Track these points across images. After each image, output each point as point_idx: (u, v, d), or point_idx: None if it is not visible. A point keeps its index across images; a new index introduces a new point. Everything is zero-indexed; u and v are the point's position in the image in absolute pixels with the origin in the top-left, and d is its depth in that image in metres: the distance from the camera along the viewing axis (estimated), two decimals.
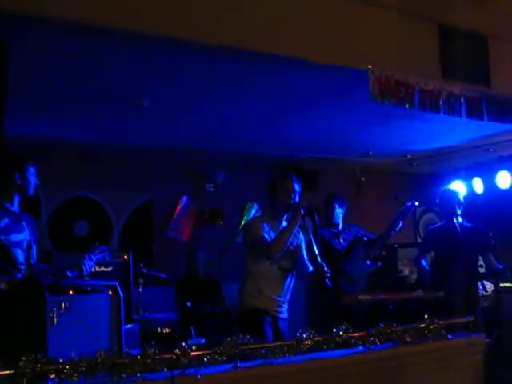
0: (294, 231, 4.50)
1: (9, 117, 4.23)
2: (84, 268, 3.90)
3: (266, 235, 4.44)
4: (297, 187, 4.59)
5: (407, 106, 4.82)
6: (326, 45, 4.64)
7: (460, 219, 5.68)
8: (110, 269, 5.70)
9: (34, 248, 4.05)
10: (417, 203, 5.96)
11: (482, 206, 7.38)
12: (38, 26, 3.77)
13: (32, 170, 4.03)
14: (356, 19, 4.79)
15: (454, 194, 5.92)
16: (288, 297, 4.63)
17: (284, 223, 4.61)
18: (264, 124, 6.58)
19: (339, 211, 6.12)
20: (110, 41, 4.16)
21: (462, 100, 5.04)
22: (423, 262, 5.89)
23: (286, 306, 4.61)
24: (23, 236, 3.93)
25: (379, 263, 5.88)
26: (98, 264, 5.33)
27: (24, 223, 3.98)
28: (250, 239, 4.58)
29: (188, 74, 4.89)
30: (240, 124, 6.56)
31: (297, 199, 4.56)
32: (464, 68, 5.16)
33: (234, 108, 5.95)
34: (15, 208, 3.97)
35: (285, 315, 4.59)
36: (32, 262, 3.95)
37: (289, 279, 4.62)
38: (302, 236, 4.71)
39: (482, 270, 5.99)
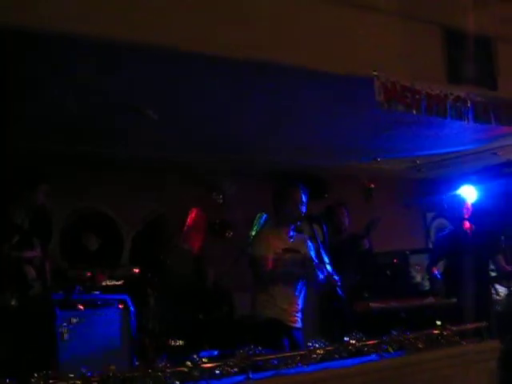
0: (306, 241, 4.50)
1: (18, 131, 4.26)
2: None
3: (269, 261, 4.42)
4: (304, 197, 4.58)
5: (414, 111, 4.80)
6: (331, 53, 4.63)
7: (468, 223, 5.65)
8: (120, 282, 5.70)
9: (47, 265, 4.07)
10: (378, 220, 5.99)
11: (491, 209, 7.33)
12: (44, 40, 3.78)
13: (43, 190, 4.05)
14: (359, 26, 4.77)
15: (462, 198, 5.90)
16: (300, 306, 4.61)
17: (291, 233, 4.61)
18: (271, 132, 6.57)
19: (345, 220, 6.14)
20: (114, 53, 4.17)
21: (469, 104, 5.01)
22: (435, 270, 5.86)
23: (299, 315, 4.59)
24: (35, 253, 3.95)
25: (358, 276, 5.85)
26: (110, 278, 5.34)
27: (36, 240, 4.01)
28: (253, 255, 4.57)
29: (195, 84, 4.90)
30: (247, 133, 6.56)
31: (304, 210, 4.56)
32: (470, 72, 5.13)
33: (242, 117, 5.95)
34: (26, 225, 4.00)
35: (299, 325, 4.57)
36: (46, 278, 3.97)
37: (299, 288, 4.60)
38: (310, 245, 4.70)
39: (494, 274, 5.95)
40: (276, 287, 4.51)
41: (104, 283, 5.32)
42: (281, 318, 4.47)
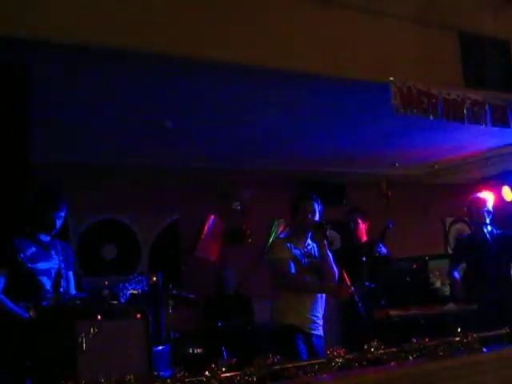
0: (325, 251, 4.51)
1: (34, 142, 4.28)
2: (122, 298, 3.96)
3: (291, 263, 4.43)
4: (317, 207, 4.60)
5: (431, 116, 4.78)
6: (347, 59, 4.63)
7: (489, 228, 5.59)
8: (138, 291, 5.69)
9: (70, 275, 4.10)
10: (391, 225, 5.89)
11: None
12: (59, 53, 3.81)
13: (65, 210, 4.09)
14: (376, 32, 4.77)
15: (483, 202, 5.82)
16: (322, 312, 4.58)
17: (308, 241, 4.62)
18: (289, 140, 6.57)
19: (362, 226, 6.10)
20: (130, 64, 4.19)
21: (486, 108, 4.97)
22: (456, 274, 5.79)
23: (320, 322, 4.56)
24: (51, 264, 3.98)
25: (373, 285, 5.79)
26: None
27: (53, 252, 4.03)
28: (271, 261, 4.58)
29: (212, 94, 4.91)
30: (265, 141, 6.57)
31: (317, 218, 4.57)
32: (487, 75, 5.09)
33: (259, 126, 5.96)
34: (44, 237, 4.03)
35: (319, 332, 4.53)
36: (62, 289, 3.99)
37: (319, 294, 4.58)
38: (328, 251, 4.68)
39: None
40: (294, 293, 4.50)
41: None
42: (300, 324, 4.45)
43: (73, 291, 4.17)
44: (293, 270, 4.45)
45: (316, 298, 4.55)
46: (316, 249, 4.66)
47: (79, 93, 4.73)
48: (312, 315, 4.50)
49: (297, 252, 4.51)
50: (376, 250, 5.83)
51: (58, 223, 4.05)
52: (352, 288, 4.36)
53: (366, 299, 5.47)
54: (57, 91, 4.63)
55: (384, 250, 5.91)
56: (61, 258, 4.06)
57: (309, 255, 4.61)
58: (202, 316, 6.94)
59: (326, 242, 4.52)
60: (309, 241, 4.64)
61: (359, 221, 6.14)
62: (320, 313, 4.57)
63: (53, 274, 3.96)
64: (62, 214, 4.07)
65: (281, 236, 4.70)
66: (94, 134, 5.88)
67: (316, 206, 4.61)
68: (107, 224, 7.56)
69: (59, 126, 5.49)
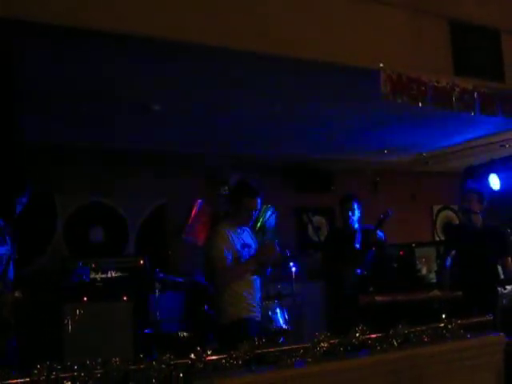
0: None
1: (22, 123, 4.25)
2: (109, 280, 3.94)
3: (228, 256, 4.45)
4: (259, 205, 4.64)
5: (420, 103, 4.77)
6: (337, 45, 4.61)
7: (480, 218, 5.58)
8: (125, 274, 5.69)
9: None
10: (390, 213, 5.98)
11: (498, 203, 7.29)
12: (45, 32, 3.77)
13: (27, 195, 4.06)
14: (366, 18, 4.76)
15: (472, 191, 5.82)
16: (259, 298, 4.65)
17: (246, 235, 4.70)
18: (277, 126, 6.56)
19: (357, 212, 6.11)
20: (117, 47, 4.16)
21: (475, 96, 4.97)
22: (447, 262, 5.81)
23: (259, 307, 4.62)
24: (4, 250, 3.92)
25: (364, 272, 5.82)
26: (114, 269, 5.34)
27: (8, 238, 3.98)
28: (210, 254, 4.56)
29: (200, 77, 4.88)
30: (253, 126, 6.55)
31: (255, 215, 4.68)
32: (477, 63, 5.09)
33: (247, 110, 5.94)
34: (1, 221, 3.97)
35: (260, 318, 4.62)
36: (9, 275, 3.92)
37: (258, 280, 4.63)
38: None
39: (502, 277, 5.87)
40: (240, 283, 4.52)
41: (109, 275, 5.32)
42: (249, 315, 4.51)
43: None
44: (229, 261, 4.46)
45: (255, 284, 4.57)
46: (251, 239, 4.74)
47: (66, 75, 4.69)
48: (255, 302, 4.53)
49: (236, 240, 4.54)
50: (374, 237, 5.86)
51: (18, 208, 4.02)
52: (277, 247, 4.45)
53: (355, 285, 5.52)
54: (42, 73, 4.59)
55: (381, 234, 5.94)
56: (13, 244, 4.02)
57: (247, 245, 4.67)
58: (188, 300, 6.95)
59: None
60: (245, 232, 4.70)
61: (357, 207, 6.16)
62: (259, 298, 4.63)
63: (4, 260, 3.90)
64: (24, 199, 4.04)
65: (221, 226, 4.68)
66: (82, 117, 5.84)
67: (259, 203, 4.63)
68: (95, 207, 7.53)
69: (46, 107, 5.45)
